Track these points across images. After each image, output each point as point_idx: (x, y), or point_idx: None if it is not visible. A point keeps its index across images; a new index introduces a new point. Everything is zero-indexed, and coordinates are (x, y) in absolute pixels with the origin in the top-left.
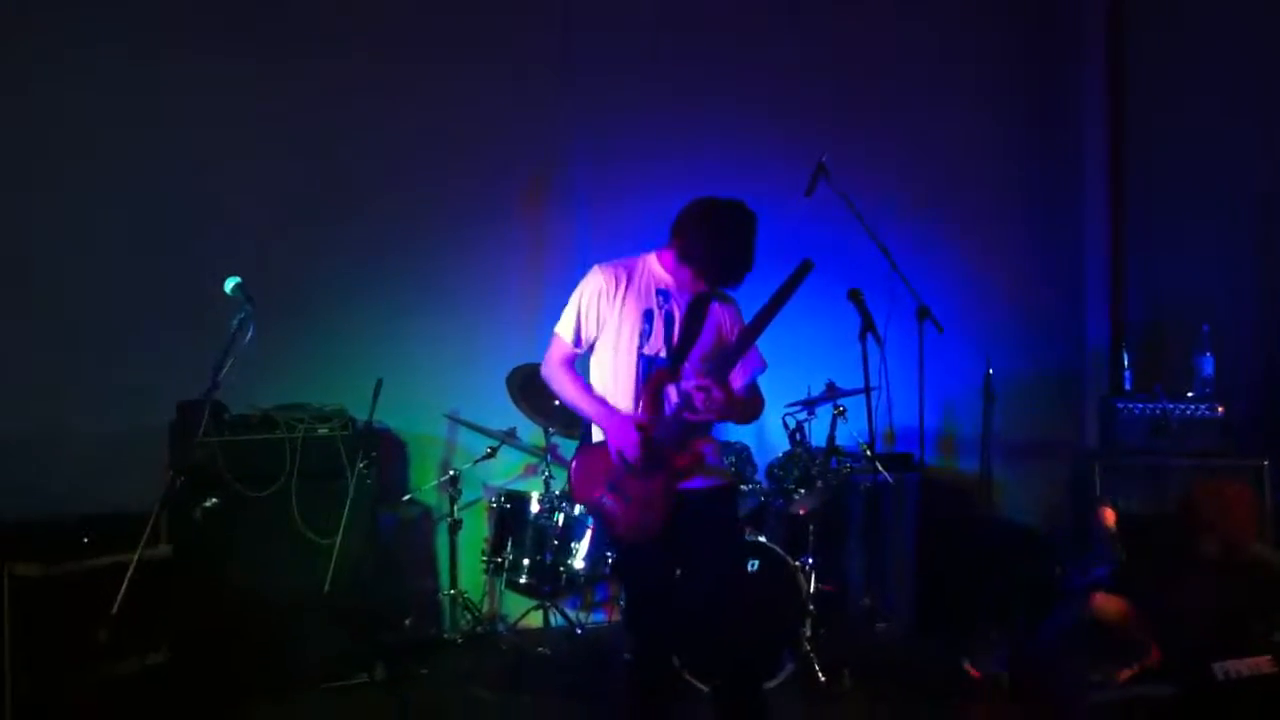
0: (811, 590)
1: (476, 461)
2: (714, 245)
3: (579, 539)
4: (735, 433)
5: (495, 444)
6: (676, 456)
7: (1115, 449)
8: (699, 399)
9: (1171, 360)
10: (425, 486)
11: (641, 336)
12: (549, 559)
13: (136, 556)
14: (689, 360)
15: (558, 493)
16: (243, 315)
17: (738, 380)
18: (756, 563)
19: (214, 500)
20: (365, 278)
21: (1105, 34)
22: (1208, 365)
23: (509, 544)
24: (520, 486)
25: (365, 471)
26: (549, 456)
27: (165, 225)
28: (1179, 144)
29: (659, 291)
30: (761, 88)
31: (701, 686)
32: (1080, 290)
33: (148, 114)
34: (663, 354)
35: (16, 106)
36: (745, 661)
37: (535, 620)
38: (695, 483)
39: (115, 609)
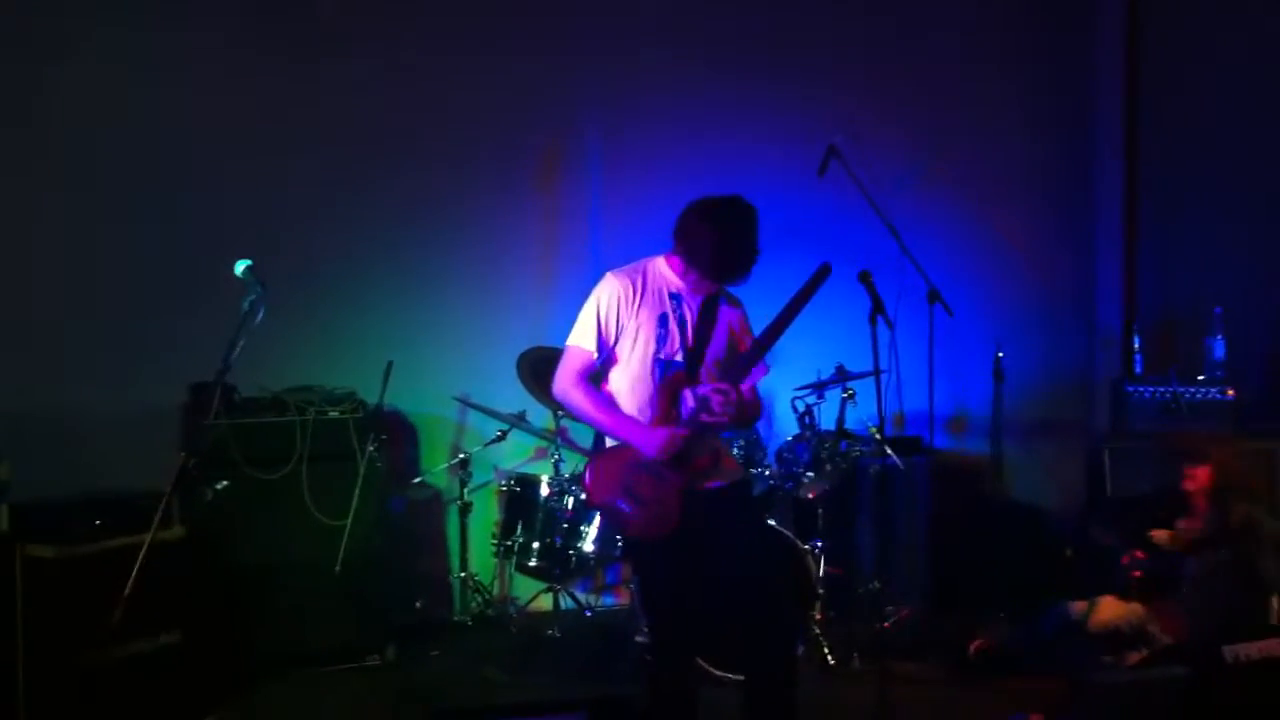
0: (821, 574)
1: (487, 444)
2: (717, 244)
3: (589, 522)
4: None
5: (505, 427)
6: (695, 458)
7: (1126, 432)
8: (717, 402)
9: (1183, 343)
10: (435, 469)
11: (658, 342)
12: (559, 542)
13: (149, 538)
14: (703, 364)
15: (568, 476)
16: (254, 298)
17: (744, 384)
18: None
19: (225, 482)
20: (376, 261)
21: (1121, 17)
22: (1219, 348)
23: (519, 527)
24: (530, 470)
25: (375, 454)
26: (559, 440)
27: (178, 208)
28: (1193, 127)
29: (671, 295)
30: (775, 67)
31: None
32: (1091, 273)
33: (159, 95)
34: (678, 358)
35: (29, 92)
36: (777, 653)
37: (545, 603)
38: (713, 483)
39: (128, 590)
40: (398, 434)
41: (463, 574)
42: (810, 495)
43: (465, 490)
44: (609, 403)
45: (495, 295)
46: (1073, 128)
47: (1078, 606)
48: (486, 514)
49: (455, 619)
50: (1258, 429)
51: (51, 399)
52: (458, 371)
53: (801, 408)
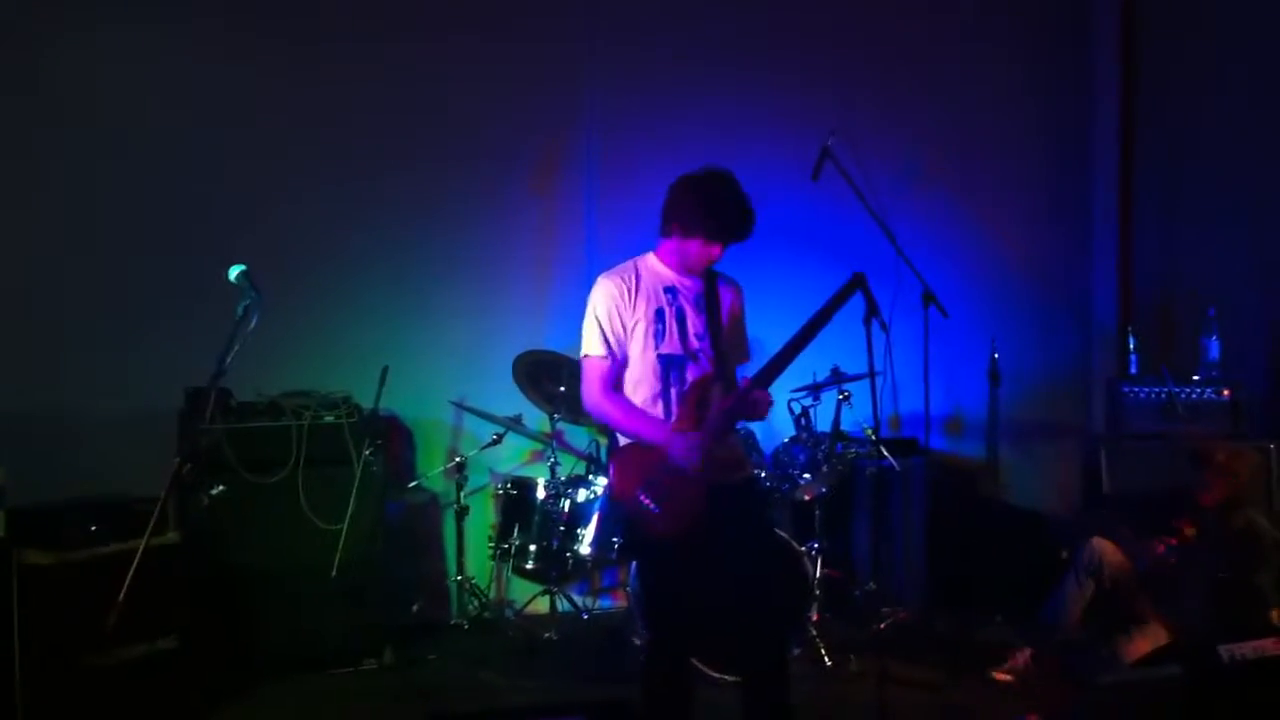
0: (818, 575)
1: (483, 448)
2: (711, 203)
3: (585, 524)
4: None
5: (501, 430)
6: (718, 455)
7: (1122, 432)
8: (763, 407)
9: (1178, 343)
10: (432, 473)
11: (657, 337)
12: (555, 545)
13: (144, 543)
14: (716, 351)
15: (564, 479)
16: (247, 303)
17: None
18: None
19: (222, 487)
20: (372, 265)
21: (1117, 17)
22: (1214, 348)
23: (516, 530)
24: (527, 472)
25: (372, 458)
26: (555, 442)
27: (175, 212)
28: (1189, 127)
29: (666, 289)
30: (771, 70)
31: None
32: (1087, 273)
33: (155, 101)
34: (679, 352)
35: (26, 93)
36: (773, 651)
37: (542, 605)
38: (732, 478)
39: (122, 595)
40: (394, 438)
41: (460, 577)
42: (807, 497)
43: (462, 493)
44: (639, 410)
45: (491, 299)
46: (1068, 128)
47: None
48: (483, 517)
49: (452, 622)
50: (1253, 429)
51: (48, 404)
52: (453, 375)
53: (798, 410)
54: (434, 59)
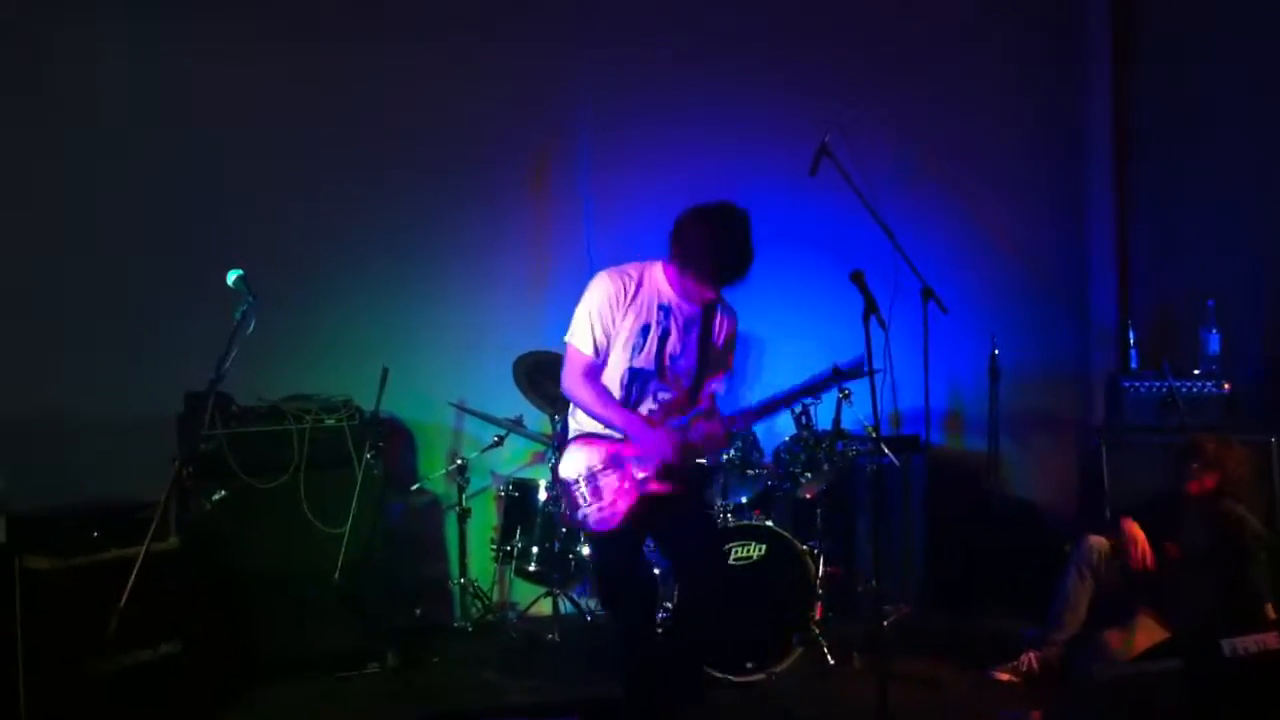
0: (819, 573)
1: (484, 450)
2: (714, 249)
3: None
4: None
5: (502, 432)
6: (665, 476)
7: (1122, 426)
8: (711, 446)
9: (1178, 337)
10: (433, 475)
11: (634, 350)
12: (557, 547)
13: (144, 549)
14: (693, 376)
15: None
16: (245, 307)
17: (716, 387)
18: (764, 547)
19: (223, 493)
20: (371, 268)
21: (1111, 12)
22: (1214, 341)
23: (518, 532)
24: (528, 474)
25: (373, 461)
26: (556, 443)
27: (174, 217)
28: (1185, 118)
29: (660, 307)
30: (768, 67)
31: (714, 673)
32: (1085, 268)
33: (153, 103)
34: (650, 368)
35: (24, 99)
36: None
37: (545, 607)
38: (673, 482)
39: (123, 600)
40: (395, 441)
41: (462, 579)
42: (808, 495)
43: (463, 496)
44: (615, 401)
45: (490, 300)
46: (1065, 123)
47: (1113, 637)
48: (485, 519)
49: (455, 624)
50: (1253, 422)
51: (48, 409)
52: (454, 377)
53: (798, 408)
54: (432, 60)
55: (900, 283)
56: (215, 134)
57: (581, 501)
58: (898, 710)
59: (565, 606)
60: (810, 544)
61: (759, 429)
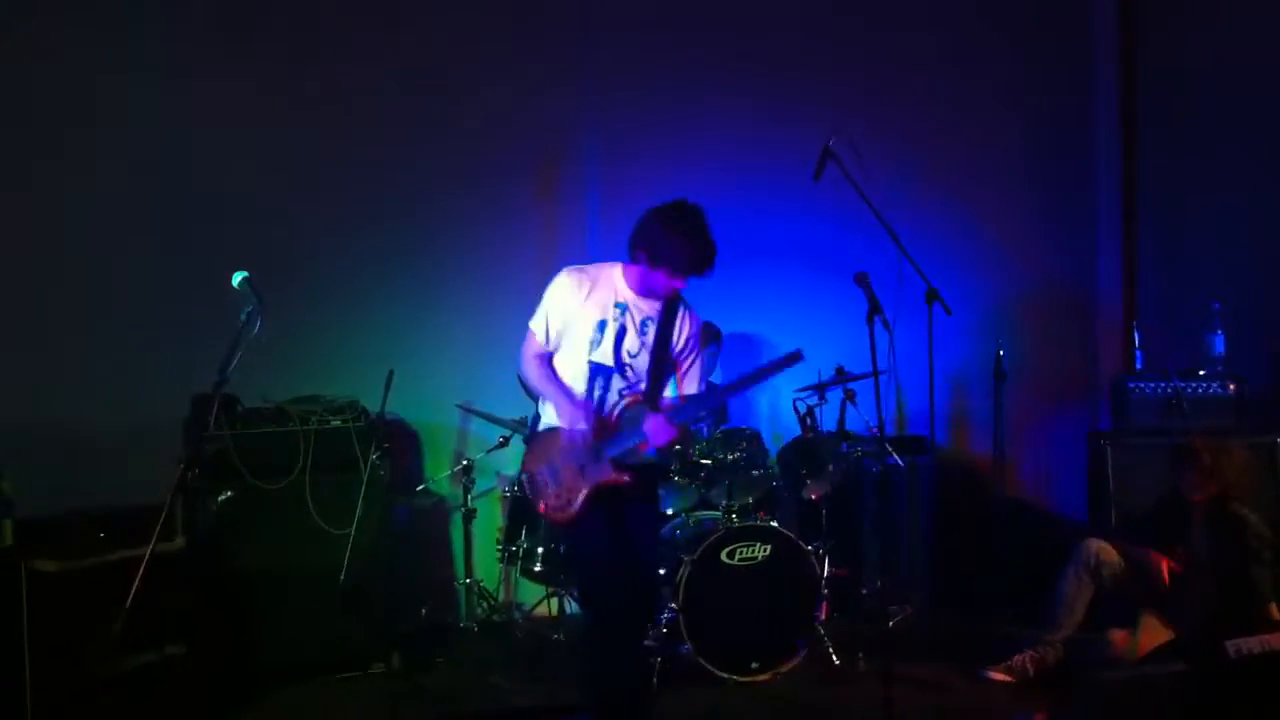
0: (824, 574)
1: (489, 451)
2: (681, 242)
3: None
4: (746, 418)
5: (508, 433)
6: (614, 475)
7: (1128, 428)
8: (656, 437)
9: (1184, 339)
10: (439, 476)
11: (591, 344)
12: (563, 547)
13: (150, 550)
14: (651, 374)
15: None
16: (250, 309)
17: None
18: (769, 548)
19: (230, 493)
20: (376, 270)
21: (1117, 11)
22: (1219, 343)
23: (523, 532)
24: None
25: (378, 462)
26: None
27: (180, 220)
28: (1192, 122)
29: (617, 304)
30: (772, 72)
31: (719, 673)
32: (1092, 269)
33: (161, 109)
34: (609, 364)
35: (24, 100)
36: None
37: (550, 608)
38: (624, 477)
39: (129, 602)
40: (400, 442)
41: (467, 580)
42: (813, 496)
43: (469, 497)
44: (566, 390)
45: (495, 302)
46: (1071, 124)
47: (1117, 638)
48: (490, 520)
49: (461, 625)
50: (1258, 423)
51: (54, 412)
52: (459, 379)
53: (803, 409)
54: (438, 64)
55: (905, 284)
56: (220, 136)
57: (544, 491)
58: (902, 712)
59: (571, 607)
60: (815, 545)
61: (764, 430)
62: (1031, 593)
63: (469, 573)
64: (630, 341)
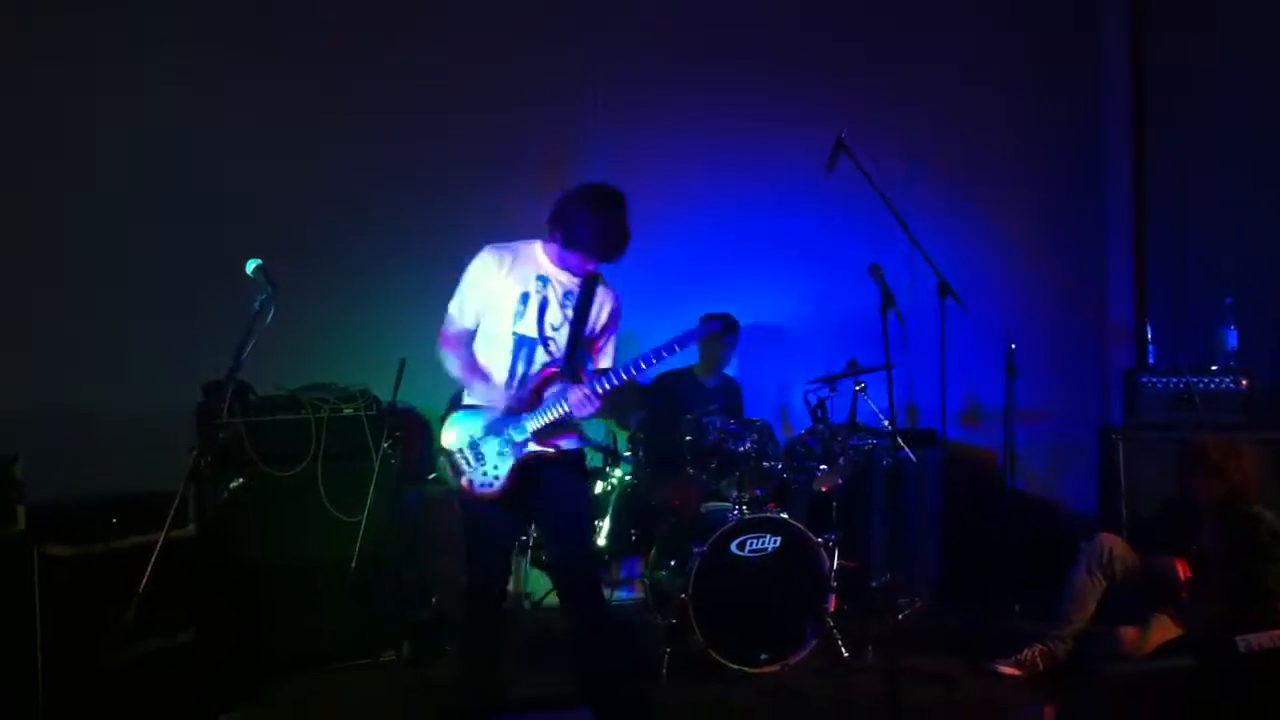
0: (834, 566)
1: None
2: (597, 227)
3: (602, 517)
4: (757, 410)
5: None
6: (539, 447)
7: (1139, 423)
8: (579, 408)
9: (1195, 333)
10: None
11: (516, 316)
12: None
13: (163, 536)
14: (580, 346)
15: None
16: (263, 297)
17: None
18: (779, 540)
19: (240, 480)
20: (389, 259)
21: (1127, 8)
22: (1231, 338)
23: (533, 524)
24: None
25: (390, 451)
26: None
27: (192, 208)
28: (1203, 116)
29: (538, 277)
30: (782, 69)
31: (728, 664)
32: (1102, 264)
33: (170, 97)
34: (533, 336)
35: (47, 97)
36: (591, 591)
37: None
38: (547, 451)
39: (141, 588)
40: (412, 431)
41: None
42: (823, 488)
43: None
44: (480, 371)
45: None
46: (1082, 118)
47: (1128, 634)
48: None
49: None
50: (1271, 418)
51: (66, 399)
52: None
53: (814, 401)
54: (449, 59)
55: (916, 278)
56: (234, 128)
57: (466, 468)
58: (910, 705)
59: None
60: (825, 537)
61: (775, 422)
62: (1041, 587)
63: None
64: (553, 314)
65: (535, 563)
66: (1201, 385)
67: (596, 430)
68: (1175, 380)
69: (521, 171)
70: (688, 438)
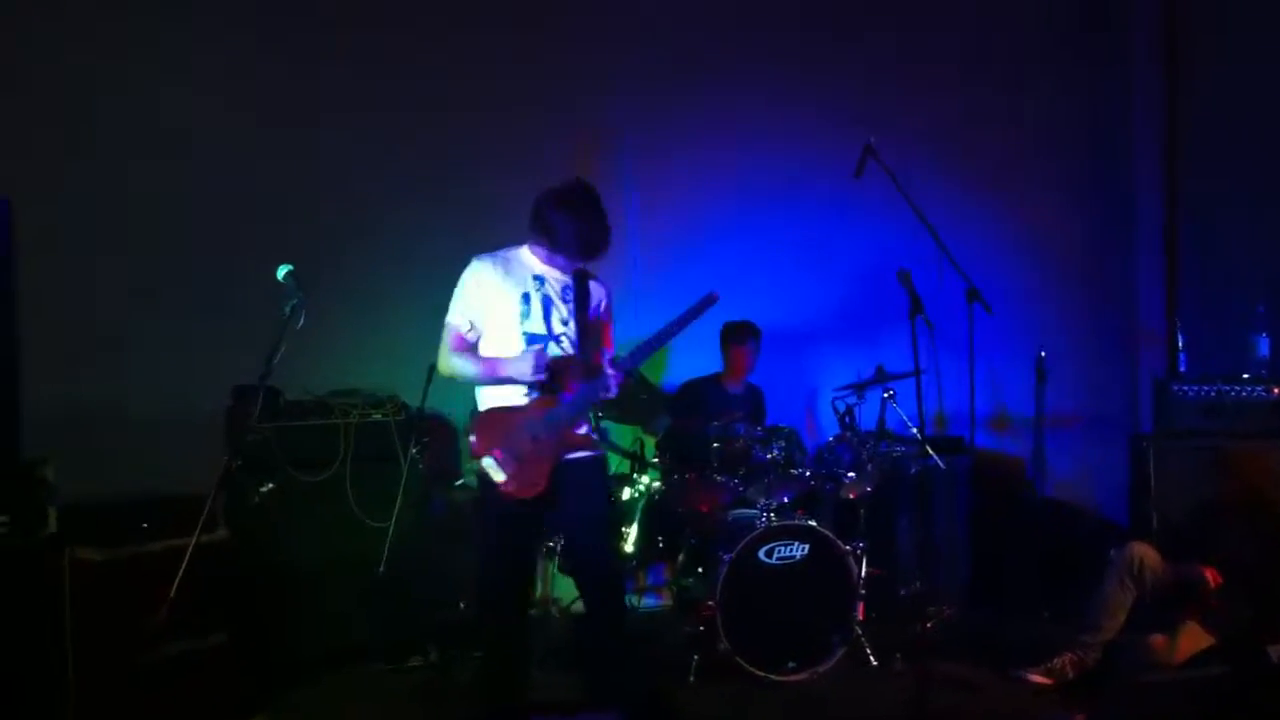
0: (862, 574)
1: None
2: (576, 228)
3: (630, 523)
4: (784, 417)
5: None
6: (571, 433)
7: (1169, 431)
8: (615, 384)
9: (1227, 341)
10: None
11: (522, 316)
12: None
13: (194, 540)
14: (586, 338)
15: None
16: (294, 303)
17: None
18: (807, 547)
19: (271, 485)
20: (417, 265)
21: (1159, 14)
22: (1263, 345)
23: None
24: None
25: (418, 456)
26: (599, 441)
27: (224, 213)
28: (1235, 122)
29: (534, 277)
30: (810, 71)
31: (755, 671)
32: (1133, 269)
33: (202, 102)
34: (542, 333)
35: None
36: (615, 604)
37: None
38: (577, 454)
39: (173, 591)
40: (439, 436)
41: None
42: (851, 495)
43: None
44: (493, 366)
45: None
46: (1113, 123)
47: (1158, 642)
48: None
49: None
50: None
51: (98, 402)
52: None
53: (842, 408)
54: (475, 74)
55: (945, 284)
56: (263, 133)
57: (503, 470)
58: (939, 713)
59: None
60: (853, 544)
61: (803, 429)
62: (1070, 595)
63: None
64: (560, 310)
65: (562, 568)
66: (1232, 394)
67: (623, 437)
68: (1206, 388)
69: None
70: (715, 444)
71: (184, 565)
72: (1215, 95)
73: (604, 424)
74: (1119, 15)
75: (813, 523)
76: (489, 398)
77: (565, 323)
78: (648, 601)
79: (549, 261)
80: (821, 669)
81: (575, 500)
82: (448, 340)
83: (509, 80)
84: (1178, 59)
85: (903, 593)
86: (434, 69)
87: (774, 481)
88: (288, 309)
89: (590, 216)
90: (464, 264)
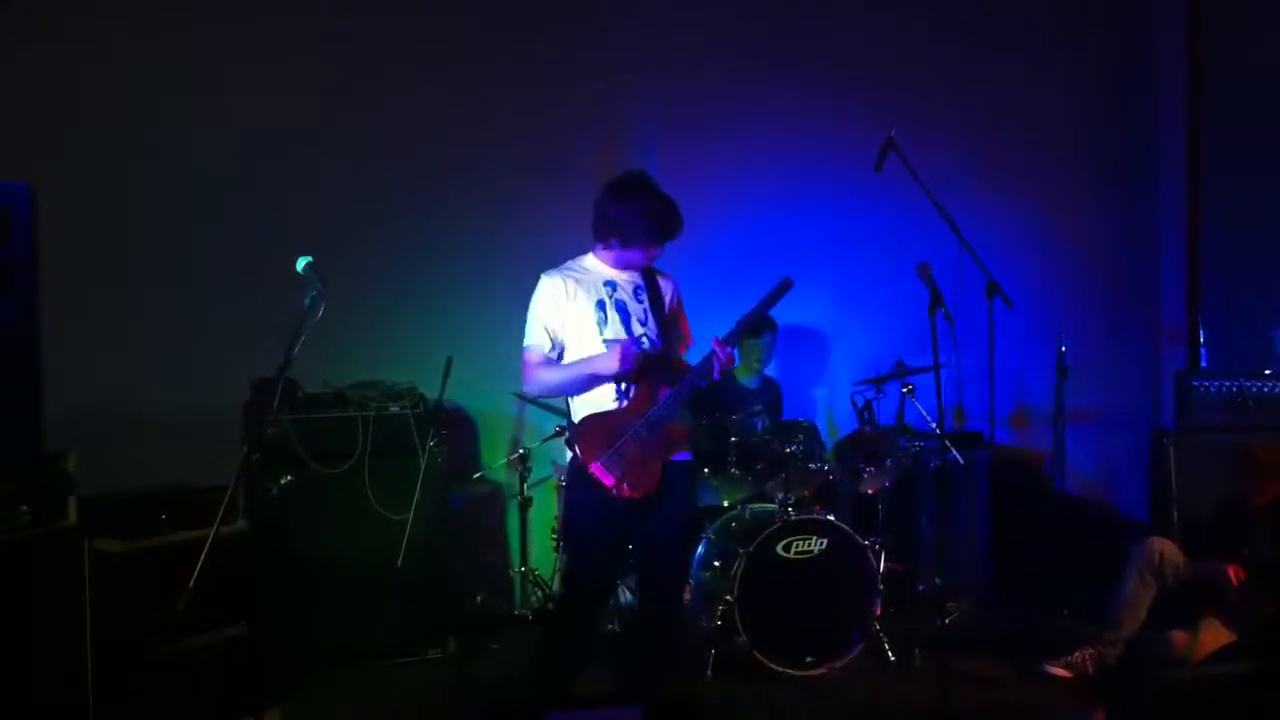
0: (881, 569)
1: (546, 440)
2: (646, 212)
3: None
4: (803, 411)
5: (564, 422)
6: (673, 428)
7: (1191, 426)
8: (724, 358)
9: (1249, 336)
10: (495, 464)
11: (600, 324)
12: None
13: (213, 532)
14: (660, 337)
15: None
16: (314, 294)
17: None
18: (825, 541)
19: (289, 477)
20: (436, 259)
21: (1183, 11)
22: None
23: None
24: None
25: (436, 449)
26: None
27: (242, 205)
28: (1257, 117)
29: (605, 283)
30: (832, 60)
31: (773, 666)
32: (1155, 265)
33: (221, 97)
34: (623, 338)
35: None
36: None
37: None
38: (681, 455)
39: (192, 583)
40: (458, 429)
41: (523, 568)
42: (870, 490)
43: (525, 485)
44: (576, 361)
45: None
46: (1135, 119)
47: (1178, 638)
48: (546, 509)
49: (515, 613)
50: None
51: (117, 394)
52: (517, 367)
53: (861, 403)
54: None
55: (965, 278)
56: (285, 132)
57: (611, 474)
58: (958, 708)
59: (625, 596)
60: (872, 539)
61: (821, 423)
62: (1090, 591)
63: (524, 561)
64: (636, 311)
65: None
66: (1255, 389)
67: None
68: (1228, 384)
69: (572, 169)
70: (733, 439)
71: (203, 557)
72: (1240, 93)
73: None
74: (1144, 14)
75: (831, 517)
76: (582, 405)
77: (644, 323)
78: None
79: (618, 264)
80: (840, 664)
81: (670, 502)
82: (529, 362)
83: (530, 75)
84: (1202, 56)
85: (921, 588)
86: (455, 62)
87: (792, 476)
88: (307, 300)
89: (654, 197)
90: (481, 257)
